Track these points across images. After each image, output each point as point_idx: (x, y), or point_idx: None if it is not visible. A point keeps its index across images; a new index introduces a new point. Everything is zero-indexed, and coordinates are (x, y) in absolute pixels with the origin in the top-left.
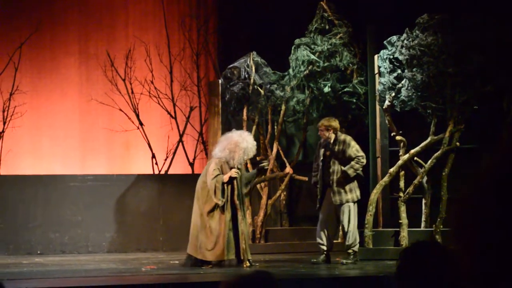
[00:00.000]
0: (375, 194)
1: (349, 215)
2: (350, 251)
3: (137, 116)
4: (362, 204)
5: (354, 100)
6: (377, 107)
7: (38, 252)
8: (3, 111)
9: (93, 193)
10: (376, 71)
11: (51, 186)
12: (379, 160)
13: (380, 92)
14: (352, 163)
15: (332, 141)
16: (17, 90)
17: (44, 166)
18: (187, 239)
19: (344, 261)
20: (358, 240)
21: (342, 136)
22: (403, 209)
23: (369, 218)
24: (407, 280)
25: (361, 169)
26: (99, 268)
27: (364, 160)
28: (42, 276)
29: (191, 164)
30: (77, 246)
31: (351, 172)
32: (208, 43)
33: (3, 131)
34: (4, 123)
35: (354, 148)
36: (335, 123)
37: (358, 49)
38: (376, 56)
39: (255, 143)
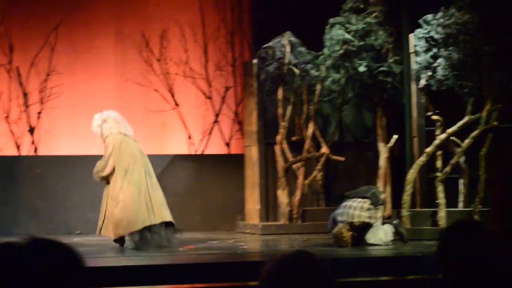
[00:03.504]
0: (412, 174)
1: None
2: None
3: (173, 96)
4: (399, 184)
5: (390, 80)
6: (413, 86)
7: (77, 231)
8: (40, 92)
9: None
10: (411, 50)
11: (88, 167)
12: (415, 140)
13: (416, 71)
14: None
15: None
16: (53, 71)
17: (81, 147)
18: (224, 219)
19: None
20: None
21: None
22: (440, 189)
23: (406, 198)
24: (448, 260)
25: None
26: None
27: None
28: (80, 255)
29: (227, 144)
30: None
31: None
32: (242, 22)
33: (40, 112)
34: (41, 104)
35: None
36: None
37: (393, 28)
38: (411, 35)
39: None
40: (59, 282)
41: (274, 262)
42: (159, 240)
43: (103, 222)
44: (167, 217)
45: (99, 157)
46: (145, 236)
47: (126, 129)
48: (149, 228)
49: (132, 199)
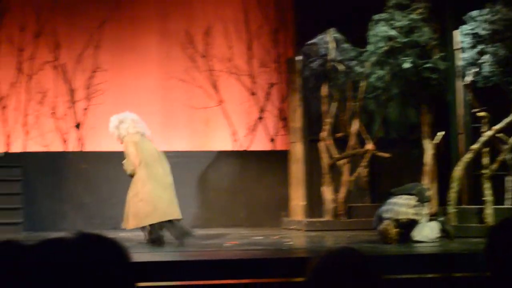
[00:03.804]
0: (458, 171)
1: None
2: None
3: (217, 93)
4: (445, 181)
5: (435, 76)
6: (459, 83)
7: (123, 227)
8: (86, 88)
9: (175, 169)
10: (456, 46)
11: None
12: (461, 136)
13: (462, 68)
14: None
15: None
16: (99, 68)
17: None
18: (268, 215)
19: None
20: None
21: None
22: (487, 186)
23: (452, 195)
24: (496, 258)
25: None
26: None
27: None
28: (126, 250)
29: (272, 141)
30: (161, 222)
31: None
32: (286, 19)
33: (86, 108)
34: (87, 100)
35: None
36: None
37: (438, 24)
38: (456, 32)
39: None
40: (106, 276)
41: (320, 259)
42: (180, 235)
43: (125, 214)
44: (180, 214)
45: None
46: (164, 230)
47: (143, 130)
48: (170, 222)
49: (153, 193)
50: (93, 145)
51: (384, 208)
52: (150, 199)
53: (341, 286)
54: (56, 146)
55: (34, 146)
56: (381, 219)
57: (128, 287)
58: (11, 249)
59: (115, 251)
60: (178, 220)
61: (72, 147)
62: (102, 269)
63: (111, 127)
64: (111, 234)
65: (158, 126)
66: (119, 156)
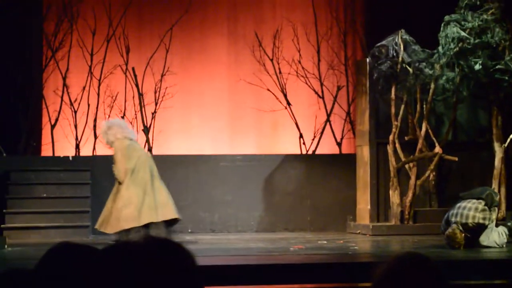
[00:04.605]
0: None
1: None
2: None
3: (285, 96)
4: None
5: (506, 78)
6: None
7: (189, 230)
8: (155, 92)
9: (242, 173)
10: None
11: (202, 166)
12: None
13: None
14: None
15: None
16: (168, 71)
17: (194, 146)
18: (334, 219)
19: None
20: None
21: None
22: None
23: None
24: None
25: None
26: (248, 247)
27: None
28: (193, 255)
29: (339, 144)
30: (227, 225)
31: None
32: (355, 21)
33: (155, 112)
34: (156, 104)
35: None
36: None
37: (510, 25)
38: None
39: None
40: (174, 281)
41: (386, 264)
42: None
43: (103, 218)
44: (170, 215)
45: (212, 157)
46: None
47: (130, 134)
48: (149, 225)
49: (136, 197)
50: (161, 149)
51: (452, 212)
52: (134, 203)
53: None
54: None
55: (103, 149)
56: (448, 223)
57: None
58: (80, 253)
59: (182, 255)
60: (173, 221)
61: None
62: (170, 273)
63: (101, 132)
64: (177, 237)
65: (226, 129)
66: (187, 159)
